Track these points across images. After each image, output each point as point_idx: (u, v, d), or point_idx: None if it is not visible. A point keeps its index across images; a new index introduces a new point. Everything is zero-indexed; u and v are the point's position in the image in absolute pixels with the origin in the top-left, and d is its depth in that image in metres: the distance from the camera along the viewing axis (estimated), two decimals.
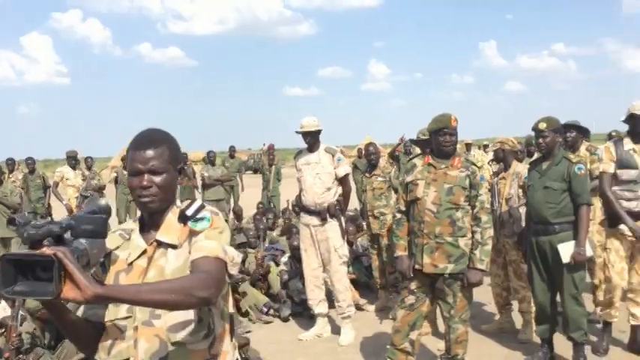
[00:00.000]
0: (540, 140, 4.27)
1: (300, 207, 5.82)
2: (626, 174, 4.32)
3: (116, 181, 11.20)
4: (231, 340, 1.80)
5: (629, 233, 4.31)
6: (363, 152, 8.72)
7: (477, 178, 3.73)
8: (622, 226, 4.33)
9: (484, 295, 5.42)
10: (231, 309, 1.81)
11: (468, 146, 13.90)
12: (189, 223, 1.68)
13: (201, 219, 1.68)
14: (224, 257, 1.64)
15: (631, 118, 4.40)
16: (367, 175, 6.22)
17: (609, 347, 4.53)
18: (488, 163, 7.25)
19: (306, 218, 5.21)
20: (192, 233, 1.67)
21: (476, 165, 3.78)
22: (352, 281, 6.22)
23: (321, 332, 5.28)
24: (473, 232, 3.70)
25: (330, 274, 5.25)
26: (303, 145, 5.25)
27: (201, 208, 1.71)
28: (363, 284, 6.66)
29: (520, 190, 4.89)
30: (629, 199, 4.30)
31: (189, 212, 1.69)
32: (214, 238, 1.66)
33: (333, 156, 5.13)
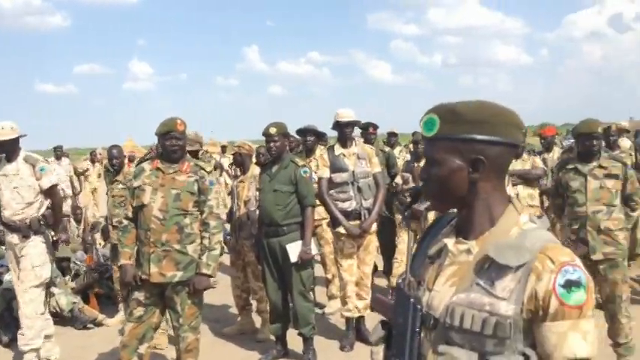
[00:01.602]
0: (271, 144, 4.41)
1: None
2: (339, 177, 4.68)
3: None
4: None
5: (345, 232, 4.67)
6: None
7: (205, 183, 3.69)
8: (340, 228, 4.68)
9: (229, 297, 5.45)
10: None
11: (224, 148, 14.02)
12: None
13: None
14: None
15: (337, 126, 4.80)
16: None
17: (355, 342, 4.82)
18: (229, 165, 7.35)
19: (8, 237, 4.57)
20: None
21: (205, 170, 3.74)
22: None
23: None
24: (202, 238, 3.66)
25: (17, 295, 4.56)
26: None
27: None
28: (104, 297, 6.24)
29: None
30: (343, 200, 4.67)
31: None
32: None
33: (34, 166, 4.45)
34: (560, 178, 4.03)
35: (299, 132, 5.95)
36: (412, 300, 1.23)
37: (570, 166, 3.99)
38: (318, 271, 6.07)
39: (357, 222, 4.61)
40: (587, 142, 3.88)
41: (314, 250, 4.46)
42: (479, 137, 1.19)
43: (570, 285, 1.09)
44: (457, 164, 1.21)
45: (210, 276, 3.64)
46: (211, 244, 3.65)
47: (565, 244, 4.01)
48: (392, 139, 8.95)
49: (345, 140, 4.77)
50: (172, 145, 3.66)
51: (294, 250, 4.31)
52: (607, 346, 3.99)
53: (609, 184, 3.85)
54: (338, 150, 4.76)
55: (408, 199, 5.03)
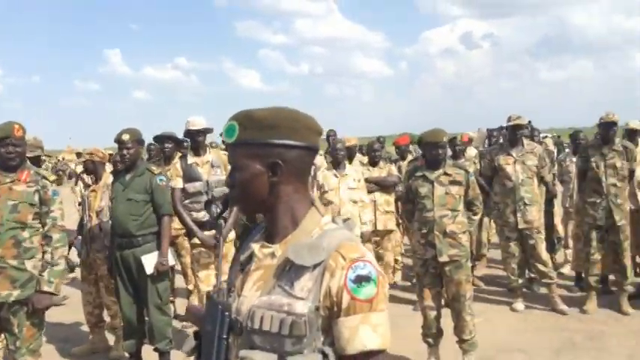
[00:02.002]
0: (124, 152, 4.20)
1: None
2: (192, 187, 4.57)
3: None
4: None
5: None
6: None
7: (47, 193, 3.43)
8: (195, 239, 4.56)
9: (80, 314, 5.10)
10: None
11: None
12: None
13: None
14: None
15: (188, 134, 4.69)
16: None
17: None
18: (81, 173, 6.93)
19: None
20: None
21: (47, 179, 3.47)
22: None
23: None
24: (43, 252, 3.39)
25: None
26: None
27: None
28: None
29: None
30: (197, 210, 4.56)
31: None
32: None
33: None
34: (410, 184, 4.24)
35: (156, 139, 5.74)
36: (220, 307, 1.24)
37: (419, 174, 4.22)
38: (179, 282, 5.90)
39: (213, 232, 4.52)
40: (434, 151, 4.13)
41: (171, 260, 4.31)
42: (276, 142, 1.22)
43: (361, 280, 1.13)
44: (257, 169, 1.23)
45: (52, 294, 3.38)
46: (54, 259, 3.39)
47: (415, 247, 4.24)
48: None
49: (197, 148, 4.66)
50: (9, 153, 3.36)
51: (149, 262, 4.13)
52: (454, 342, 4.27)
53: (454, 190, 4.11)
54: (191, 159, 4.63)
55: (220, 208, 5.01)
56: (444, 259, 4.09)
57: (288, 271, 1.19)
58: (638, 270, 6.26)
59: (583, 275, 5.80)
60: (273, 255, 1.24)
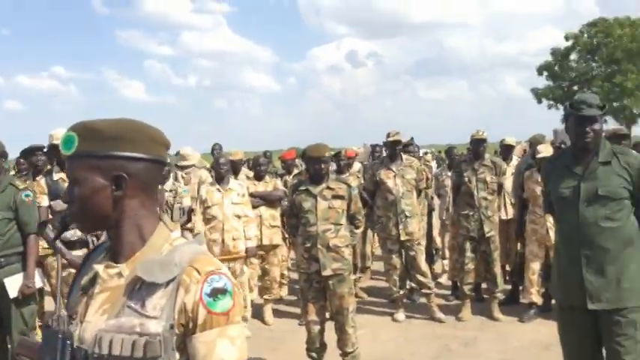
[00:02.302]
0: None
1: None
2: (58, 205, 4.28)
3: None
4: None
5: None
6: None
7: None
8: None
9: None
10: None
11: None
12: None
13: None
14: None
15: (53, 148, 4.47)
16: None
17: None
18: None
19: None
20: None
21: None
22: None
23: None
24: None
25: None
26: None
27: None
28: None
29: None
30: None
31: None
32: None
33: None
34: (294, 199, 4.25)
35: (24, 153, 5.33)
36: (60, 335, 1.15)
37: (302, 188, 4.24)
38: (49, 305, 5.49)
39: (85, 251, 4.25)
40: (316, 166, 4.17)
41: (38, 283, 3.99)
42: (119, 154, 1.17)
43: (216, 293, 1.11)
44: (99, 182, 1.17)
45: None
46: None
47: (299, 262, 4.25)
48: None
49: (63, 163, 4.39)
50: None
51: (13, 285, 3.80)
52: (337, 356, 4.31)
53: (336, 204, 4.18)
54: (57, 175, 4.36)
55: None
56: (327, 272, 4.13)
57: (139, 290, 1.13)
58: (507, 278, 6.69)
59: (458, 284, 6.10)
60: (120, 275, 1.17)
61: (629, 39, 29.36)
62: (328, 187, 4.18)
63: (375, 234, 6.86)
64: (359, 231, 4.46)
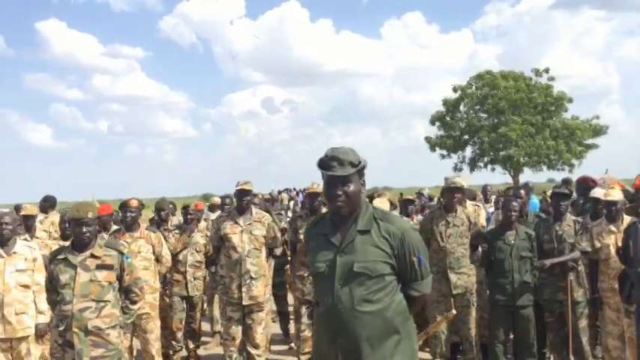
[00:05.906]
0: None
1: None
2: None
3: None
4: None
5: None
6: None
7: None
8: None
9: None
10: None
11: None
12: None
13: None
14: None
15: None
16: None
17: None
18: None
19: None
20: None
21: None
22: None
23: None
24: None
25: None
26: None
27: None
28: None
29: None
30: None
31: None
32: None
33: None
34: (52, 270, 3.51)
35: None
36: None
37: (61, 257, 3.52)
38: None
39: None
40: (77, 229, 3.48)
41: None
42: None
43: None
44: None
45: None
46: None
47: (54, 349, 3.45)
48: None
49: None
50: None
51: None
52: None
53: (101, 275, 3.47)
54: None
55: None
56: None
57: None
58: None
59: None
60: None
61: (513, 91, 30.94)
62: (93, 255, 3.50)
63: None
64: (136, 307, 3.76)
